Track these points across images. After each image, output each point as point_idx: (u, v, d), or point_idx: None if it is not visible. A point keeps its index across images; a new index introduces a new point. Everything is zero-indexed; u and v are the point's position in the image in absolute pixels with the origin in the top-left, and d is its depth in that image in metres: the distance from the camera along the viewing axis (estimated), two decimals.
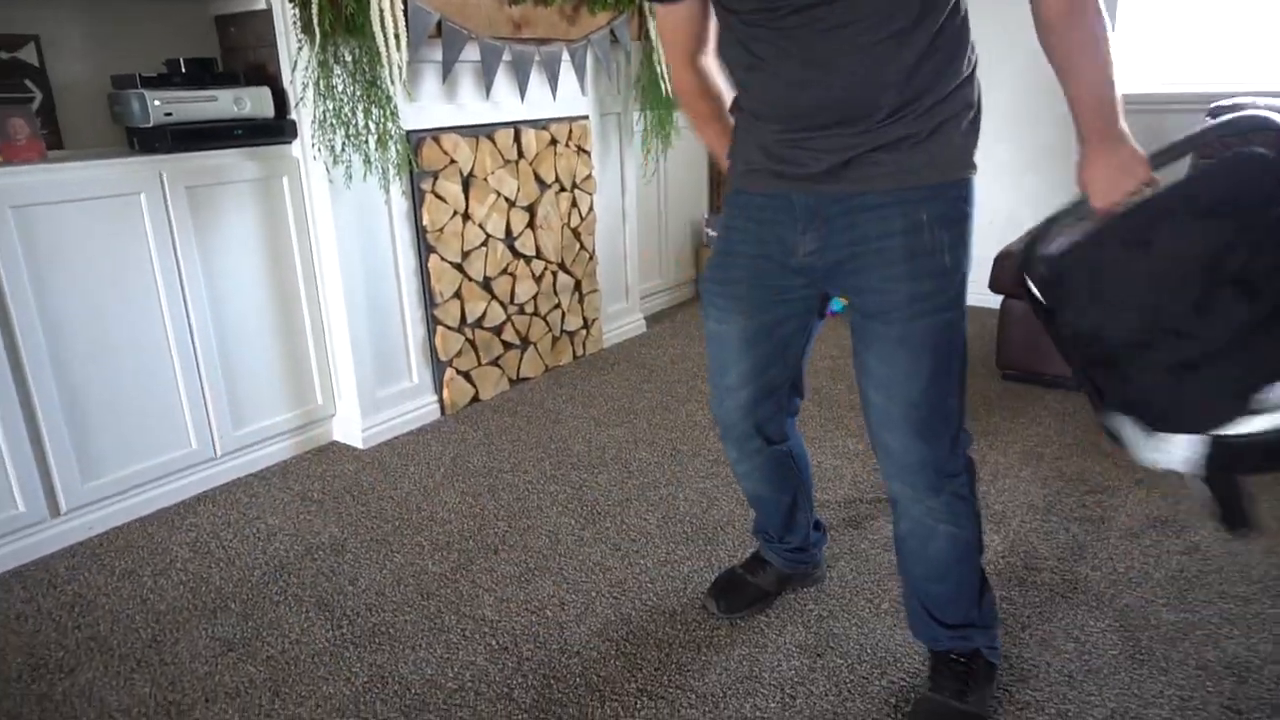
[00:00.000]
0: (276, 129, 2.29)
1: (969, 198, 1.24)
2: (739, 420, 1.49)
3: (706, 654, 1.60)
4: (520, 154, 2.86)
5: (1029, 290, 1.26)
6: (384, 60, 2.25)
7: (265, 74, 2.33)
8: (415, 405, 2.69)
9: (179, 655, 1.64)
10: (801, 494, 1.64)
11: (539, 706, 1.48)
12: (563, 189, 3.06)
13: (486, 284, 2.83)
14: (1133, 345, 1.14)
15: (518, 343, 3.00)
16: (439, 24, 2.41)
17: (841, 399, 2.77)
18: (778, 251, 1.32)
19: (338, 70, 2.22)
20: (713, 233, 4.00)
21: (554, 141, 2.98)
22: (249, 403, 2.36)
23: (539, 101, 2.88)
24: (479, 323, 2.83)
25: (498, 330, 2.91)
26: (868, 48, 1.13)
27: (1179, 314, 1.11)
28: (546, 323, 3.10)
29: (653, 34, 3.14)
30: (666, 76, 3.20)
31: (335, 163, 2.29)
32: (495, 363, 2.92)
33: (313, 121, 2.24)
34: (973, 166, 1.24)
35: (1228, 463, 1.10)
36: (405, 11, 2.26)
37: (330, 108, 2.23)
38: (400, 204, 2.53)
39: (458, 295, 2.73)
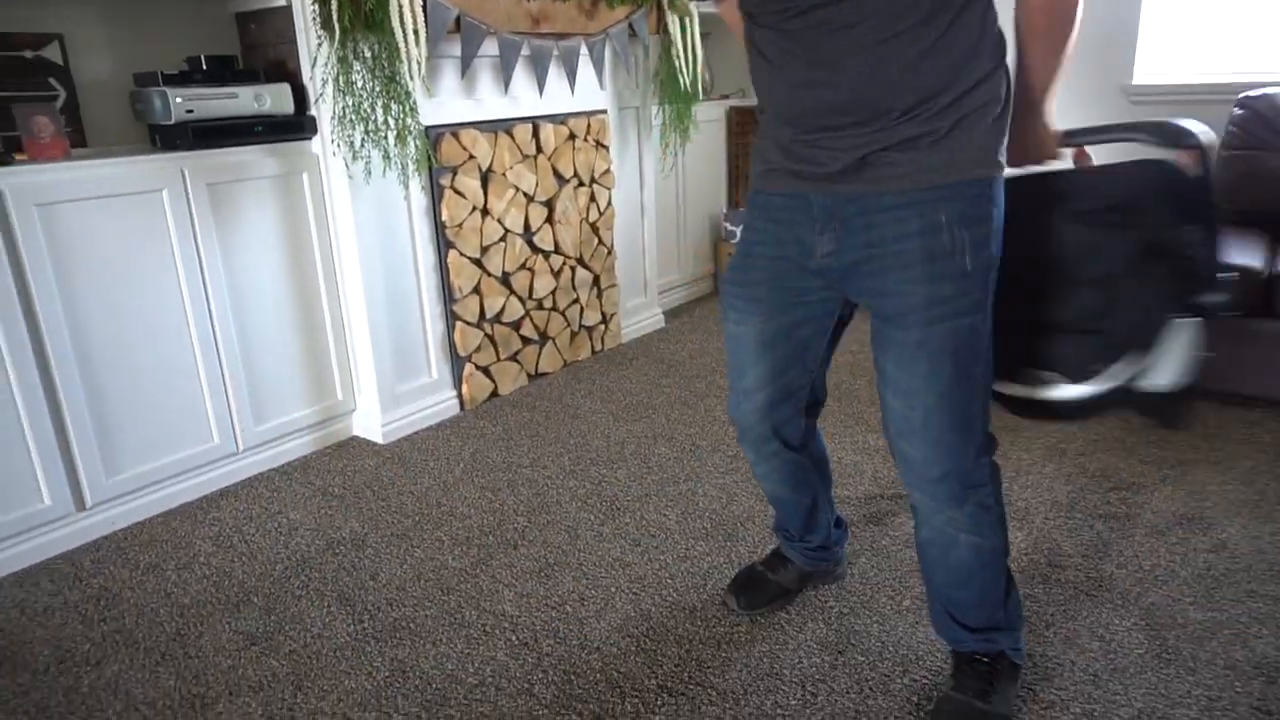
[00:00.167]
0: (296, 125, 2.30)
1: (994, 197, 1.20)
2: (756, 423, 1.48)
3: (727, 650, 1.60)
4: (539, 149, 2.86)
5: None
6: (403, 56, 2.25)
7: (285, 70, 2.34)
8: (435, 400, 2.70)
9: (203, 649, 1.66)
10: (822, 495, 1.63)
11: (559, 702, 1.48)
12: (581, 184, 3.05)
13: (505, 279, 2.83)
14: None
15: (536, 338, 3.00)
16: (458, 19, 2.41)
17: (862, 394, 2.75)
18: (796, 253, 1.30)
19: (357, 66, 2.22)
20: (731, 227, 3.98)
21: (572, 136, 2.97)
22: (270, 398, 2.38)
23: (557, 96, 2.88)
24: (498, 318, 2.83)
25: (516, 325, 2.91)
26: (873, 47, 1.12)
27: (1039, 286, 1.35)
28: (565, 318, 3.10)
29: (671, 29, 3.12)
30: (684, 71, 3.18)
31: (355, 159, 2.30)
32: (514, 358, 2.92)
33: (332, 118, 2.25)
34: (997, 165, 1.20)
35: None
36: (424, 7, 2.26)
37: (350, 104, 2.23)
38: (419, 200, 2.54)
39: (477, 290, 2.73)
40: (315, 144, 2.35)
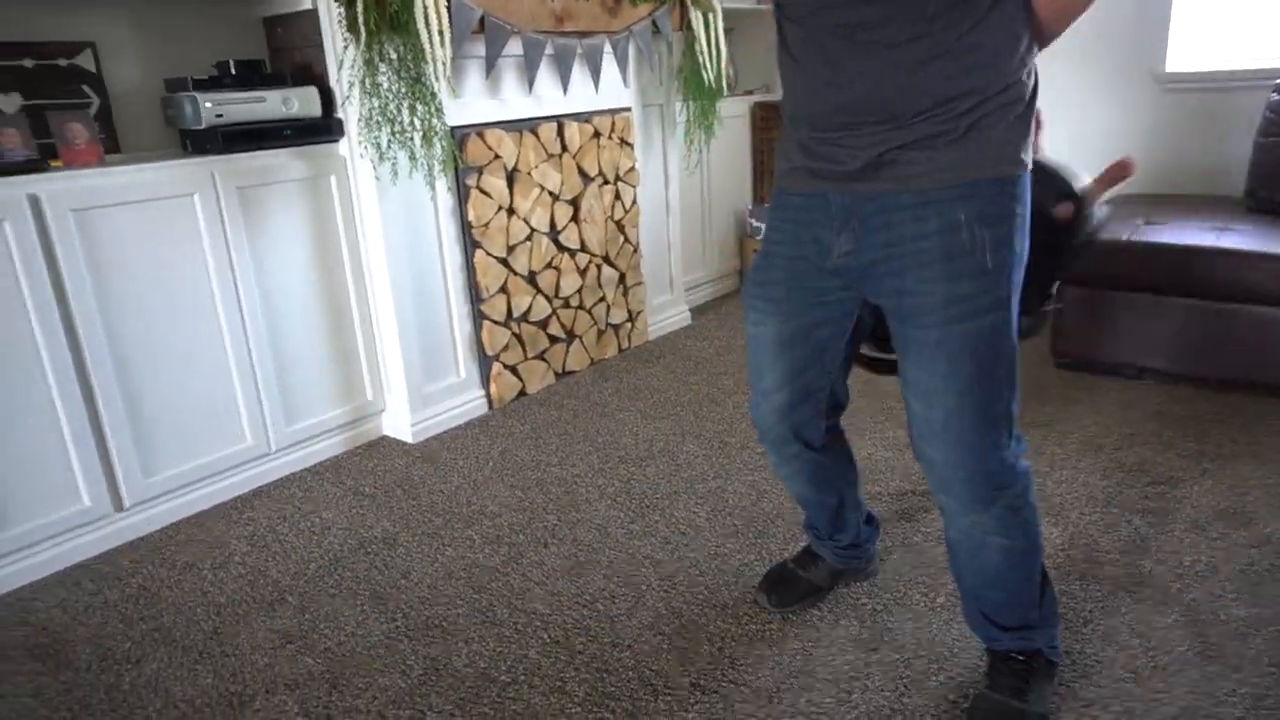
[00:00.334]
0: (324, 128, 2.32)
1: (1017, 195, 1.18)
2: (775, 424, 1.47)
3: (760, 648, 1.59)
4: (563, 147, 2.86)
5: None
6: (428, 57, 2.26)
7: (312, 74, 2.36)
8: (463, 400, 2.71)
9: (239, 647, 1.68)
10: (848, 495, 1.61)
11: (592, 700, 1.48)
12: (606, 182, 3.05)
13: (531, 278, 2.84)
14: None
15: (563, 336, 3.00)
16: (482, 20, 2.41)
17: (891, 390, 2.73)
18: (814, 252, 1.29)
19: (383, 68, 2.23)
20: (756, 223, 3.96)
21: (597, 134, 2.97)
22: (301, 399, 2.40)
23: (581, 94, 2.88)
24: (525, 317, 2.84)
25: (543, 324, 2.91)
26: (880, 51, 1.12)
27: None
28: (591, 316, 3.10)
29: (694, 25, 3.11)
30: (708, 67, 3.17)
31: (381, 160, 2.31)
32: (541, 356, 2.93)
33: (359, 120, 2.26)
34: (1020, 163, 1.18)
35: None
36: (449, 8, 2.27)
37: (376, 106, 2.25)
38: (446, 200, 2.55)
39: (503, 290, 2.74)
40: (342, 146, 2.37)
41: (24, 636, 1.74)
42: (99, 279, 1.95)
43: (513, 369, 2.84)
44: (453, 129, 2.48)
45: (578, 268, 3.00)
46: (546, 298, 2.90)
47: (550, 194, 2.85)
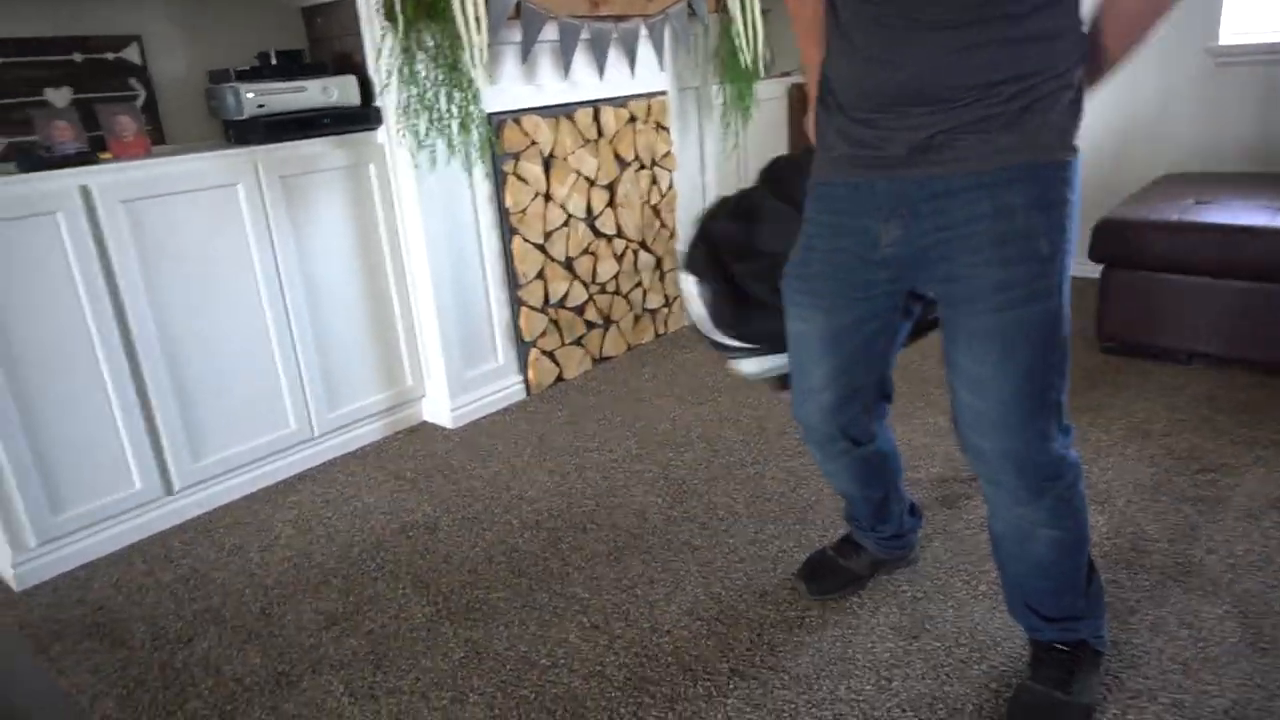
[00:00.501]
0: (362, 116, 2.34)
1: (1069, 180, 1.15)
2: (821, 423, 1.44)
3: (799, 634, 1.59)
4: (600, 133, 2.85)
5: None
6: (465, 44, 2.26)
7: (351, 63, 2.38)
8: (502, 385, 2.73)
9: (286, 628, 1.72)
10: (893, 488, 1.60)
11: (632, 684, 1.49)
12: (642, 166, 3.04)
13: (568, 264, 2.84)
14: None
15: (600, 322, 3.01)
16: (517, 5, 2.41)
17: (930, 375, 2.70)
18: (859, 244, 1.26)
19: (420, 56, 2.24)
20: None
21: (633, 119, 2.96)
22: (343, 385, 2.44)
23: (617, 79, 2.87)
24: (562, 303, 2.85)
25: (580, 310, 2.92)
26: (941, 31, 1.09)
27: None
28: (628, 301, 3.10)
29: (730, 6, 3.08)
30: (744, 49, 3.14)
31: (419, 147, 2.33)
32: (578, 342, 2.94)
33: (397, 107, 2.28)
34: (1072, 149, 1.15)
35: None
36: None
37: (414, 93, 2.26)
38: (483, 187, 2.56)
39: (540, 276, 2.75)
40: (381, 134, 2.39)
41: (81, 615, 1.80)
42: (147, 268, 2.00)
43: (550, 354, 2.85)
44: (489, 115, 2.49)
45: (614, 253, 3.00)
46: (583, 283, 2.90)
47: (587, 179, 2.84)
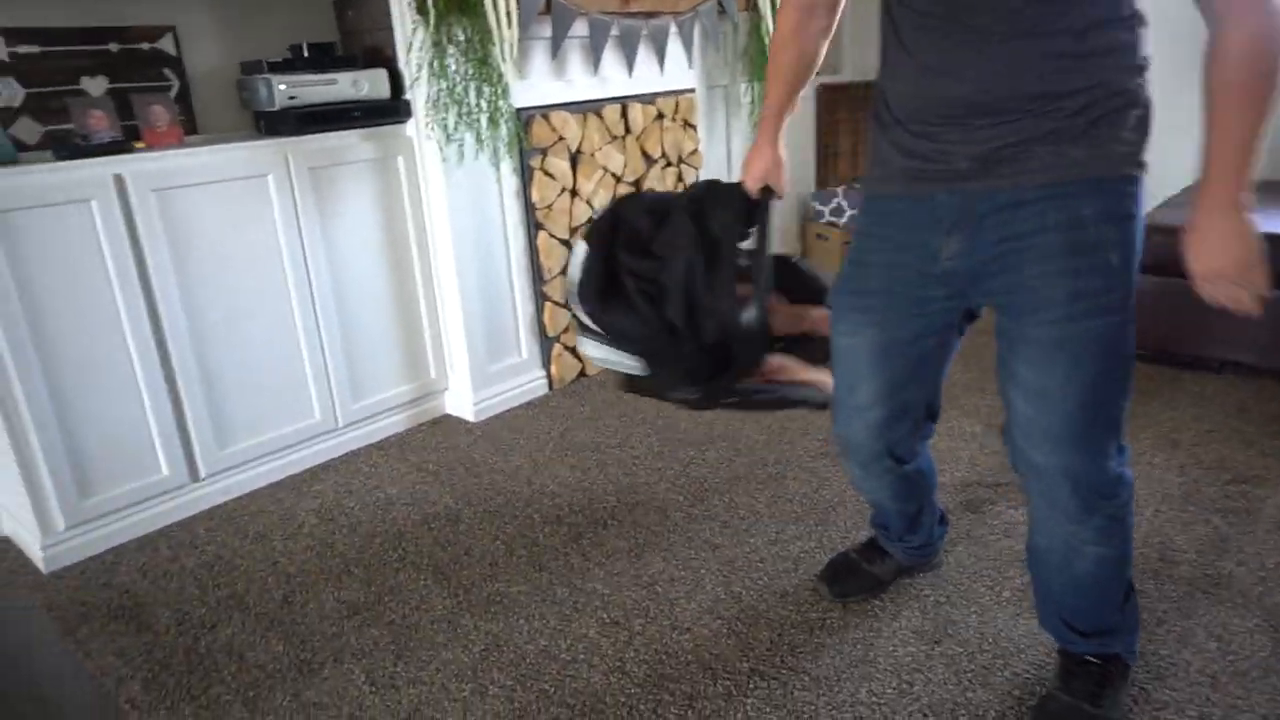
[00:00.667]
0: (392, 110, 2.35)
1: (1136, 196, 1.13)
2: (868, 441, 1.40)
3: (820, 636, 1.58)
4: (627, 129, 2.85)
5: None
6: (495, 38, 2.27)
7: (382, 56, 2.39)
8: (525, 380, 2.74)
9: (308, 616, 1.73)
10: (927, 502, 1.58)
11: (651, 681, 1.49)
12: (669, 164, 3.04)
13: None
14: None
15: None
16: (548, 1, 2.41)
17: (956, 378, 2.67)
18: (917, 259, 1.23)
19: (450, 50, 2.25)
20: (819, 207, 3.90)
21: (660, 116, 2.95)
22: (367, 376, 2.45)
23: (646, 76, 2.86)
24: None
25: None
26: (1009, 42, 1.06)
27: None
28: None
29: (760, 4, 3.06)
30: None
31: (448, 141, 2.34)
32: None
33: (426, 101, 2.29)
34: (1141, 165, 1.13)
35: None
36: None
37: (443, 87, 2.27)
38: (510, 181, 2.56)
39: (565, 272, 2.75)
40: (410, 127, 2.40)
41: (108, 599, 1.82)
42: (178, 256, 2.02)
43: (573, 350, 2.85)
44: (518, 110, 2.49)
45: None
46: None
47: (613, 176, 2.84)
